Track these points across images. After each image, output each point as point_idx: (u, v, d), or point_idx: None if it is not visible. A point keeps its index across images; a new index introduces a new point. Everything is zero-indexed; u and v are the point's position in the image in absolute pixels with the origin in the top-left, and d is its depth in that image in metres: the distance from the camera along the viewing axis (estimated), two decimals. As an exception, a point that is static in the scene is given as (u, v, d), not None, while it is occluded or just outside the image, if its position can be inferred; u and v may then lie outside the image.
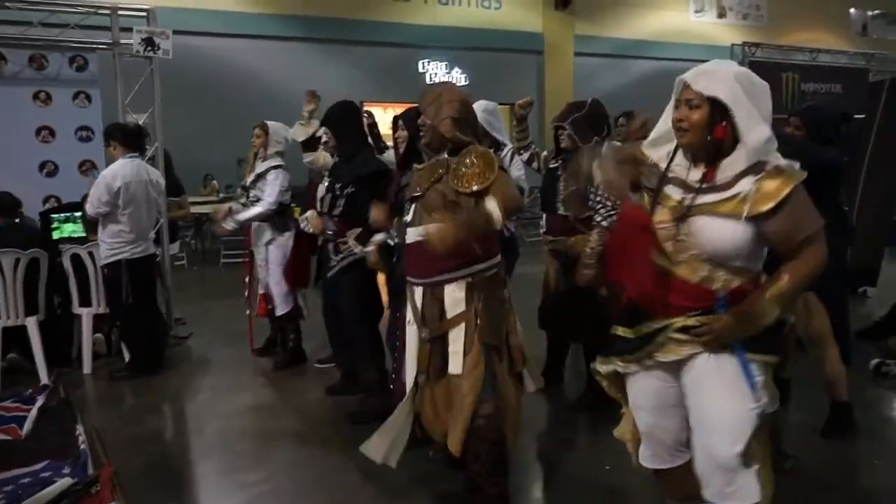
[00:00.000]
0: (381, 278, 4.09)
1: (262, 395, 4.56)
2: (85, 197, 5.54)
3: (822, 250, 1.92)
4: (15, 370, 4.92)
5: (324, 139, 4.31)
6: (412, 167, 2.88)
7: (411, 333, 2.76)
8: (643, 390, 2.17)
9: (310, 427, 3.98)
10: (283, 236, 4.80)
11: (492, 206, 2.52)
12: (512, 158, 4.38)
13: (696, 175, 2.00)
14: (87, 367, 4.97)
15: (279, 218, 4.80)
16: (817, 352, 3.41)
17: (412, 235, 2.65)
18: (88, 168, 5.88)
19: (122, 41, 5.66)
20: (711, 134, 1.93)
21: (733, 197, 1.92)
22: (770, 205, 1.87)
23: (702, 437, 2.05)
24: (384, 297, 4.07)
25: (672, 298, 1.99)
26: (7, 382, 4.70)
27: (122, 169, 4.68)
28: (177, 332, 5.81)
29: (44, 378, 4.69)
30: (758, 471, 2.02)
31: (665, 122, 2.09)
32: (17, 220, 5.12)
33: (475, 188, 2.52)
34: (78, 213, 5.35)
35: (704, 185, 1.97)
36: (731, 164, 1.94)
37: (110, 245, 4.70)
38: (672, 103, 2.04)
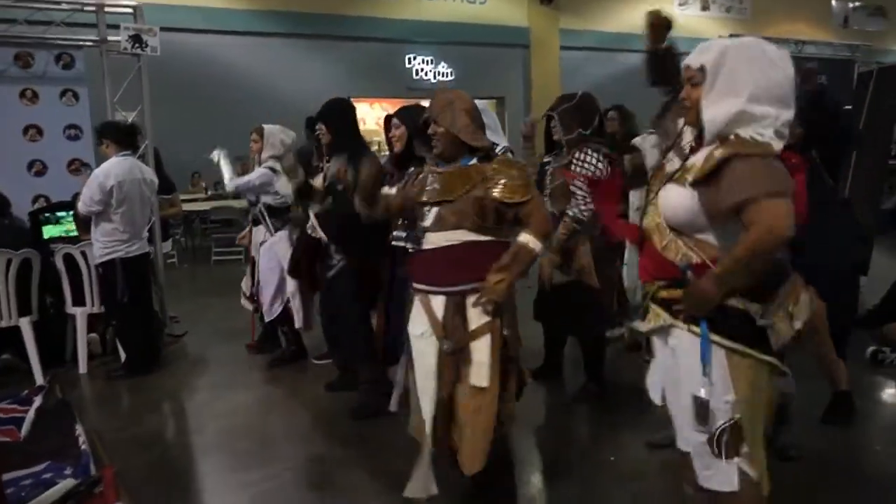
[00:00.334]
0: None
1: (261, 392, 4.54)
2: (75, 196, 5.50)
3: (764, 221, 1.81)
4: (9, 371, 4.87)
5: (317, 134, 4.25)
6: (410, 167, 2.86)
7: (425, 347, 2.56)
8: (659, 363, 2.20)
9: (311, 424, 3.97)
10: (275, 237, 4.77)
11: (527, 238, 2.46)
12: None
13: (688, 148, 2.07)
14: (82, 367, 4.92)
15: (272, 219, 4.78)
16: (815, 346, 3.43)
17: (433, 241, 2.53)
18: (77, 167, 5.80)
19: (110, 38, 5.59)
20: None
21: (691, 167, 1.97)
22: (704, 171, 1.90)
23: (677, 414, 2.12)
24: None
25: (646, 262, 2.11)
26: (1, 384, 4.66)
27: (115, 167, 4.63)
28: (171, 330, 5.77)
29: (39, 379, 4.65)
30: (738, 466, 1.98)
31: None
32: (6, 221, 5.06)
33: (519, 200, 2.46)
34: (62, 214, 5.31)
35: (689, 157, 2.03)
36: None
37: (104, 244, 4.65)
38: None
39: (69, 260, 4.84)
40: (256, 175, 4.70)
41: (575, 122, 3.83)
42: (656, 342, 2.20)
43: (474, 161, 2.56)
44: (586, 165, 3.74)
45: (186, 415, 4.30)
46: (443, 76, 13.86)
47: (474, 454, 2.47)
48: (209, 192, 11.13)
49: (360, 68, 12.58)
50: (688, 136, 2.09)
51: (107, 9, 5.64)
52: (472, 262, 2.45)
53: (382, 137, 4.25)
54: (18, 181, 5.61)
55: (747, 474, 1.99)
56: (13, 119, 5.66)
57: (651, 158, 2.80)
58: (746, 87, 1.88)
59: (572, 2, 14.15)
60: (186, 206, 8.68)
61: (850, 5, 14.89)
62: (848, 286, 3.39)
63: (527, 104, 13.88)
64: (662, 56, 2.69)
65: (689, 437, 2.08)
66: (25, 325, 4.67)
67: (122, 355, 4.90)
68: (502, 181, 2.46)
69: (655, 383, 2.25)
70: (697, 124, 2.00)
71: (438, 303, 2.53)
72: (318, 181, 4.10)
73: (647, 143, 4.41)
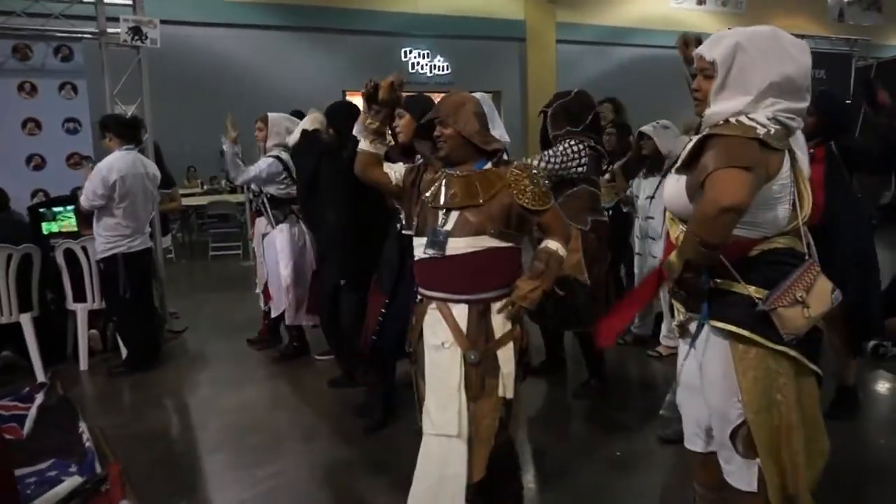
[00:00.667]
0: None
1: (264, 388, 4.52)
2: (75, 190, 5.46)
3: (710, 190, 1.78)
4: (9, 368, 4.84)
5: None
6: (416, 161, 2.80)
7: (446, 359, 2.41)
8: (680, 360, 2.19)
9: (316, 420, 3.96)
10: (277, 229, 4.74)
11: (556, 245, 2.43)
12: None
13: None
14: (83, 364, 4.89)
15: (274, 211, 4.74)
16: (828, 338, 3.43)
17: (454, 248, 2.40)
18: (77, 161, 5.76)
19: (109, 30, 5.54)
20: None
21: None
22: (687, 155, 1.92)
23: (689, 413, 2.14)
24: None
25: (667, 257, 2.09)
26: (2, 381, 4.63)
27: (118, 161, 4.58)
28: (172, 326, 5.74)
29: (40, 376, 4.62)
30: (760, 467, 1.96)
31: None
32: (4, 215, 5.01)
33: (543, 208, 2.42)
34: (58, 209, 5.27)
35: None
36: None
37: (107, 239, 4.62)
38: None
39: (70, 255, 4.80)
40: (265, 165, 4.65)
41: (564, 119, 3.84)
42: (681, 342, 2.19)
43: (489, 166, 2.49)
44: (555, 158, 3.74)
45: (190, 411, 4.28)
46: (439, 70, 13.83)
47: (478, 462, 2.38)
48: (205, 187, 11.09)
49: (355, 61, 12.54)
50: None
51: (106, 0, 5.58)
52: (495, 269, 2.39)
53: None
54: (17, 175, 5.56)
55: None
56: (11, 112, 5.60)
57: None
58: (756, 85, 1.86)
59: (569, -5, 14.14)
60: (183, 201, 8.62)
61: (846, 0, 14.89)
62: (862, 281, 3.36)
63: (523, 98, 13.85)
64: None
65: (716, 433, 2.06)
66: (26, 321, 4.64)
67: (123, 351, 4.87)
68: (528, 187, 2.41)
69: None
70: None
71: (460, 311, 2.41)
72: None
73: (665, 133, 4.45)
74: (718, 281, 1.95)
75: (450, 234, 2.40)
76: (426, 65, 13.76)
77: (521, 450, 3.04)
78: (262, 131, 4.72)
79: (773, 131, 1.82)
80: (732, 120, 1.86)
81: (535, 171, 2.51)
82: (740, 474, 2.02)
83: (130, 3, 5.66)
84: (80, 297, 4.87)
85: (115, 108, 5.53)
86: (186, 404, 4.39)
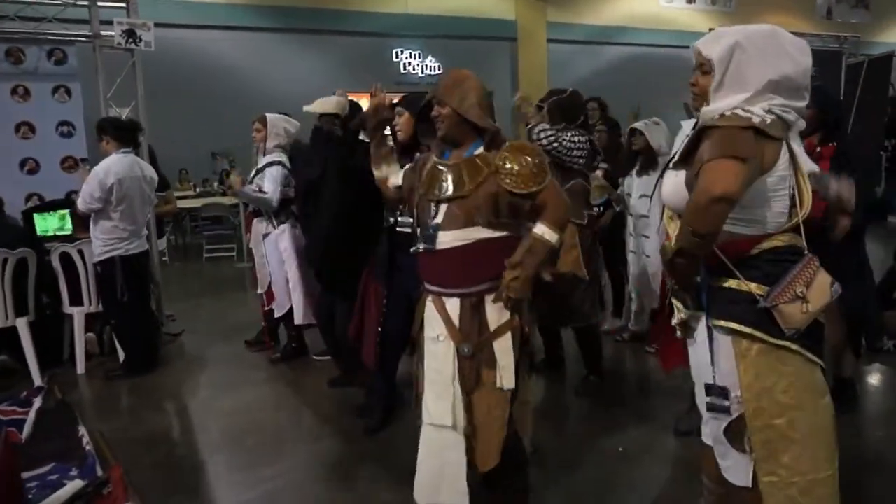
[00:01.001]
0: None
1: (264, 389, 4.52)
2: (69, 194, 5.44)
3: (702, 180, 1.79)
4: (6, 373, 4.81)
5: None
6: (416, 157, 2.80)
7: (441, 351, 2.42)
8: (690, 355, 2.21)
9: (317, 420, 3.97)
10: (279, 230, 4.74)
11: (542, 229, 2.31)
12: None
13: None
14: (80, 368, 4.87)
15: (276, 212, 4.74)
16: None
17: (444, 241, 2.38)
18: (71, 164, 5.74)
19: (103, 33, 5.52)
20: None
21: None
22: (684, 149, 1.94)
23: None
24: None
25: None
26: (-1, 386, 4.60)
27: (115, 164, 4.56)
28: (169, 329, 5.73)
29: (37, 380, 4.60)
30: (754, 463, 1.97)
31: None
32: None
33: (534, 189, 2.31)
34: (47, 214, 5.25)
35: None
36: None
37: (104, 242, 4.60)
38: None
39: (66, 259, 4.78)
40: (278, 174, 4.60)
41: (560, 115, 3.94)
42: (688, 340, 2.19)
43: (481, 149, 2.42)
44: (560, 140, 3.80)
45: (189, 413, 4.26)
46: (430, 70, 13.83)
47: (489, 451, 2.40)
48: (198, 190, 11.05)
49: (347, 63, 12.51)
50: None
51: (99, 3, 5.56)
52: (487, 261, 2.34)
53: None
54: (11, 179, 5.55)
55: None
56: (5, 116, 5.59)
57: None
58: (754, 83, 1.87)
59: (559, -5, 14.19)
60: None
61: (834, -2, 14.99)
62: (859, 280, 3.39)
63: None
64: None
65: (711, 427, 2.09)
66: (22, 325, 4.61)
67: (121, 355, 4.85)
68: (514, 169, 2.31)
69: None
70: None
71: (453, 305, 2.41)
72: None
73: (656, 129, 4.51)
74: (719, 279, 1.95)
75: (440, 227, 2.38)
76: (418, 65, 13.76)
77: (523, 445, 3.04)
78: (261, 132, 4.71)
79: (769, 121, 1.83)
80: (728, 112, 1.86)
81: (531, 145, 2.46)
82: (736, 469, 2.03)
83: (124, 6, 5.64)
84: (76, 300, 4.85)
85: (109, 111, 5.52)
86: (186, 407, 4.37)
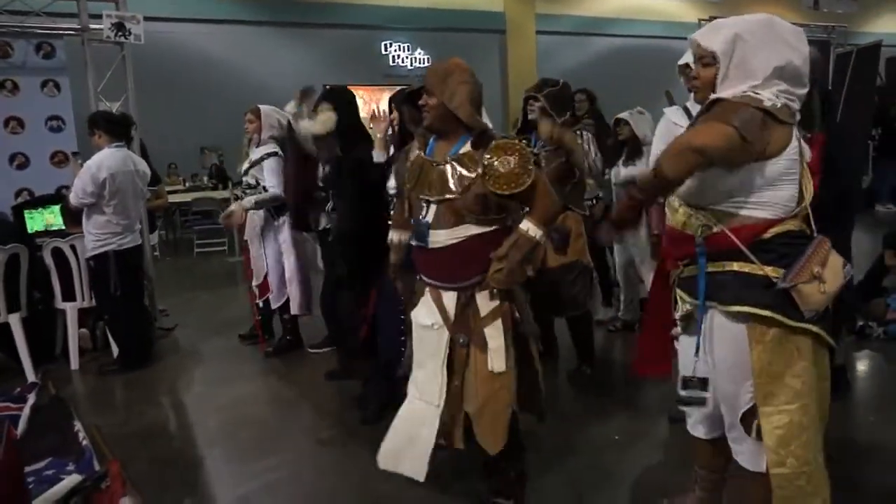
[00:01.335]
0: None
1: (259, 382, 4.52)
2: (59, 189, 5.41)
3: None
4: (-2, 369, 4.79)
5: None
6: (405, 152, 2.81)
7: (434, 338, 2.52)
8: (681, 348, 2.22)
9: (315, 412, 3.97)
10: (277, 223, 4.75)
11: (527, 225, 2.36)
12: None
13: None
14: (74, 363, 4.85)
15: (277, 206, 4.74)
16: None
17: (437, 240, 2.45)
18: (61, 159, 5.70)
19: (92, 26, 5.48)
20: None
21: None
22: (691, 126, 1.98)
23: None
24: None
25: (669, 247, 2.14)
26: (-8, 382, 4.58)
27: (107, 159, 4.54)
28: (162, 323, 5.71)
29: (30, 376, 4.58)
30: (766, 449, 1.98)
31: None
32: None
33: (517, 190, 2.32)
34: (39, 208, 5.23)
35: None
36: None
37: (97, 236, 4.58)
38: None
39: (58, 254, 4.76)
40: (276, 167, 4.61)
41: (558, 107, 3.93)
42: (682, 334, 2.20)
43: (468, 148, 2.44)
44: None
45: (186, 408, 4.26)
46: (419, 63, 13.81)
47: (495, 434, 2.49)
48: (187, 184, 10.99)
49: (336, 56, 12.48)
50: None
51: (88, -4, 5.53)
52: (479, 255, 2.41)
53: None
54: (0, 175, 5.49)
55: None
56: (-7, 111, 5.55)
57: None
58: (762, 70, 1.88)
59: (548, -14, 14.19)
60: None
61: (820, -12, 15.04)
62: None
63: (504, 89, 13.90)
64: None
65: (727, 416, 2.10)
66: (15, 321, 4.59)
67: (115, 350, 4.84)
68: (498, 171, 2.32)
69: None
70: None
71: (449, 298, 2.49)
72: None
73: (641, 119, 4.56)
74: (723, 264, 1.96)
75: (430, 225, 2.45)
76: (406, 58, 13.72)
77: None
78: (254, 123, 4.70)
79: (779, 105, 1.85)
80: (740, 94, 1.87)
81: (518, 144, 2.42)
82: (750, 455, 2.05)
83: (113, -1, 5.60)
84: (69, 295, 4.84)
85: (99, 105, 5.47)
86: (181, 401, 4.37)
